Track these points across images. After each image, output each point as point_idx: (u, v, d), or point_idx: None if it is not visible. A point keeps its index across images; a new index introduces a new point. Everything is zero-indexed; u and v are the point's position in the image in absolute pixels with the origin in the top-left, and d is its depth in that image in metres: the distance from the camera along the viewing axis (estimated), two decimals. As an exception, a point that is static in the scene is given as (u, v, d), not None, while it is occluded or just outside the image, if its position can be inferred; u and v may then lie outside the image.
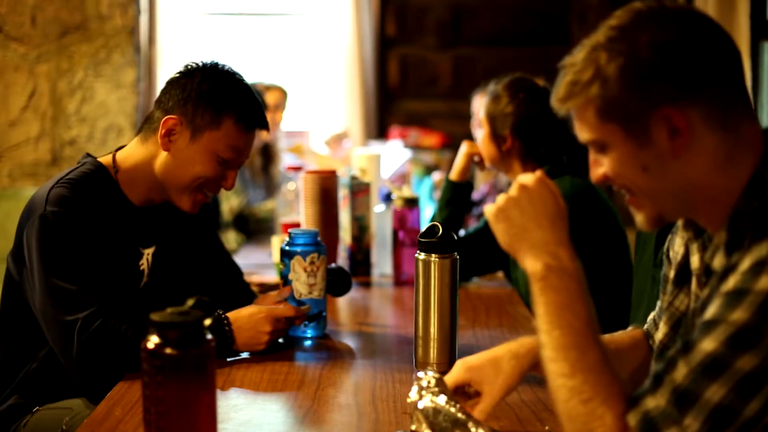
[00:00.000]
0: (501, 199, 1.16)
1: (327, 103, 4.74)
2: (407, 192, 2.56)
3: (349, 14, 4.58)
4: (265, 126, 1.79)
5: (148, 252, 1.80)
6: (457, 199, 2.51)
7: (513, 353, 1.26)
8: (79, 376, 1.61)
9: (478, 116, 2.79)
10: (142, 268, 1.79)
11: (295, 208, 2.81)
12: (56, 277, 1.59)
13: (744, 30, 3.31)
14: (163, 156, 1.72)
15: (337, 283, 2.06)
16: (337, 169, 2.57)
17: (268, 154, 3.85)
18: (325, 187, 2.35)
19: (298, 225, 2.49)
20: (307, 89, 4.76)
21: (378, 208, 2.58)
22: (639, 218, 1.12)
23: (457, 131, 4.66)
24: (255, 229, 3.56)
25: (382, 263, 2.51)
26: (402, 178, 4.10)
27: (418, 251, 1.57)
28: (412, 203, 2.39)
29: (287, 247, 1.84)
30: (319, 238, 1.86)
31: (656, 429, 0.97)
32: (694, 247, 1.16)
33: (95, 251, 1.65)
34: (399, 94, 4.78)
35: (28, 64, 4.19)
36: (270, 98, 3.75)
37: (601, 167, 1.11)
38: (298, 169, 2.96)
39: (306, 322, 1.83)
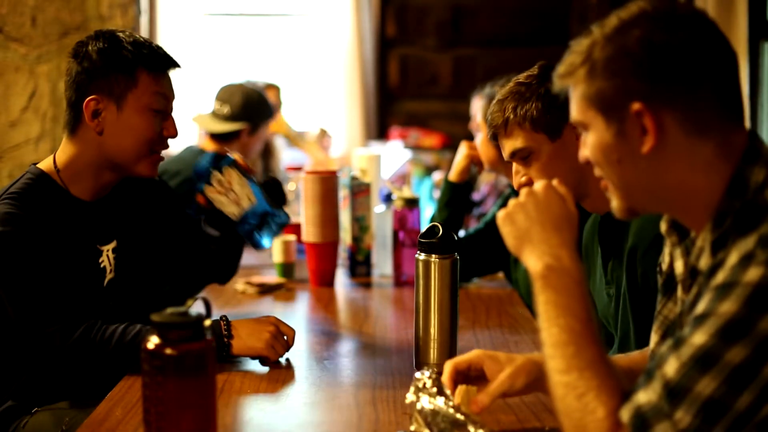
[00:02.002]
0: (510, 204, 1.19)
1: (327, 103, 4.74)
2: (407, 192, 2.56)
3: (349, 15, 4.59)
4: (175, 62, 1.78)
5: (108, 248, 1.78)
6: (457, 199, 2.51)
7: (530, 358, 1.29)
8: (73, 381, 1.61)
9: (476, 119, 2.79)
10: (102, 265, 1.76)
11: (295, 208, 2.82)
12: (19, 295, 1.59)
13: (743, 30, 3.31)
14: (101, 138, 1.71)
15: (271, 194, 1.95)
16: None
17: (268, 151, 3.85)
18: (325, 187, 2.35)
19: (298, 225, 2.49)
20: (308, 90, 4.76)
21: (378, 208, 2.59)
22: (613, 204, 1.14)
23: (457, 132, 4.66)
24: None
25: (382, 264, 2.51)
26: (402, 179, 4.10)
27: (418, 252, 1.58)
28: (412, 204, 2.39)
29: (195, 187, 1.80)
30: (215, 154, 1.83)
31: (648, 424, 0.97)
32: (678, 253, 1.17)
33: (50, 261, 1.63)
34: (399, 94, 4.78)
35: (29, 64, 4.20)
36: (270, 98, 3.75)
37: (586, 149, 1.13)
38: (298, 169, 2.96)
39: (257, 230, 1.80)
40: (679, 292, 1.16)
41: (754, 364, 0.93)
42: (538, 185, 1.19)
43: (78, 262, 1.70)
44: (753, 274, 0.94)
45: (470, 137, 2.93)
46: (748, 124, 3.47)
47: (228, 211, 1.80)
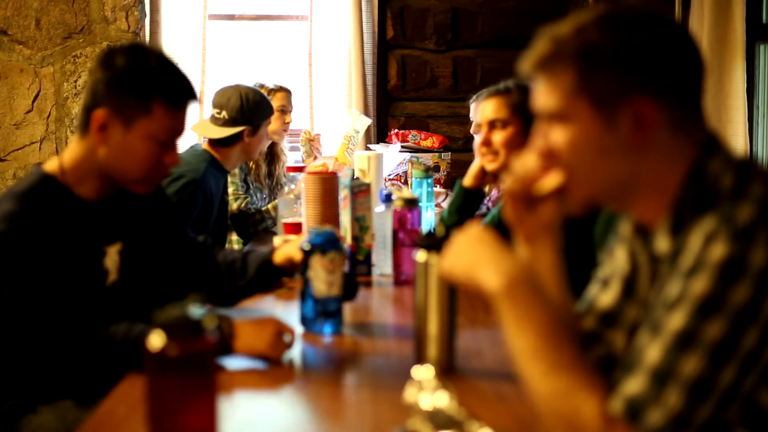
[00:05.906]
0: (452, 250, 1.24)
1: (327, 105, 4.76)
2: (407, 193, 2.57)
3: (349, 17, 4.60)
4: (195, 98, 1.76)
5: (113, 249, 1.79)
6: (468, 206, 2.49)
7: None
8: (76, 379, 1.63)
9: (477, 121, 2.80)
10: (106, 266, 1.77)
11: (296, 209, 2.83)
12: (22, 293, 1.60)
13: (740, 32, 3.32)
14: (103, 150, 1.70)
15: (345, 287, 2.03)
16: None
17: (273, 155, 3.85)
18: (326, 187, 2.37)
19: (299, 225, 2.51)
20: (308, 92, 4.76)
21: (378, 208, 2.60)
22: (574, 199, 1.15)
23: (456, 133, 4.68)
24: (256, 230, 3.56)
25: (382, 263, 2.53)
26: (401, 179, 4.11)
27: (418, 251, 1.59)
28: (411, 204, 2.41)
29: (307, 246, 1.83)
30: (338, 237, 1.86)
31: (640, 411, 0.98)
32: (644, 259, 1.17)
33: (53, 260, 1.64)
34: (399, 96, 4.79)
35: (33, 66, 4.22)
36: (276, 101, 3.74)
37: (547, 139, 1.13)
38: (299, 169, 2.98)
39: (324, 319, 1.83)
40: (645, 291, 1.17)
41: (733, 338, 0.95)
42: (470, 229, 1.23)
43: (81, 262, 1.71)
44: (718, 250, 0.96)
45: (471, 139, 2.94)
46: (744, 125, 3.46)
47: (316, 286, 1.81)
